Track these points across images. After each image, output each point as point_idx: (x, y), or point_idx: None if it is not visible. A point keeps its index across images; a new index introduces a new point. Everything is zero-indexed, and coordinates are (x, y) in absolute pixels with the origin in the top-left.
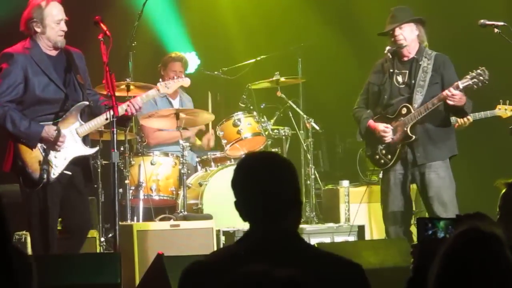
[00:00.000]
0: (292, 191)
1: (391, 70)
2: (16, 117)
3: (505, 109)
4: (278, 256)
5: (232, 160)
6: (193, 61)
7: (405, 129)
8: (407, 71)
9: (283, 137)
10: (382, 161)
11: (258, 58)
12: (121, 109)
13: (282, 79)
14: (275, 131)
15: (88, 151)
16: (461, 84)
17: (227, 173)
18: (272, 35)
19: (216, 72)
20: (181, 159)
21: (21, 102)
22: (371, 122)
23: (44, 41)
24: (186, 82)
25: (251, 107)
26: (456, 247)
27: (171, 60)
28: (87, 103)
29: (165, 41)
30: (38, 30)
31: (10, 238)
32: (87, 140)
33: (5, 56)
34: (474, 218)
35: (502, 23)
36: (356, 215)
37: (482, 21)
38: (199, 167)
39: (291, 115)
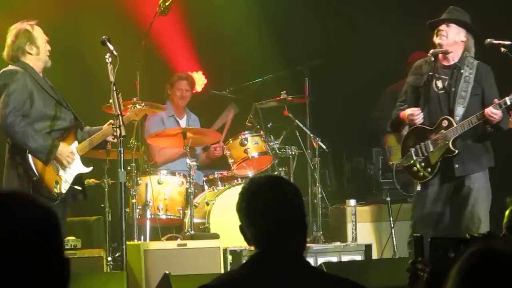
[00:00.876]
0: (297, 215)
1: (431, 73)
2: (33, 132)
3: None
4: (284, 279)
5: (239, 179)
6: (200, 80)
7: (447, 142)
8: (447, 78)
9: (290, 156)
10: (421, 174)
11: (265, 77)
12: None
13: (289, 98)
14: (282, 150)
15: (86, 169)
16: (503, 104)
17: (234, 192)
18: (279, 54)
19: (223, 92)
20: (188, 178)
21: (27, 116)
22: (401, 112)
23: (34, 62)
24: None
25: (258, 126)
26: (470, 267)
27: (177, 79)
28: (82, 122)
29: (172, 60)
30: (32, 52)
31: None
32: (81, 158)
33: (8, 74)
34: (487, 238)
35: (509, 42)
36: (363, 234)
37: (489, 40)
38: (206, 186)
39: (298, 134)
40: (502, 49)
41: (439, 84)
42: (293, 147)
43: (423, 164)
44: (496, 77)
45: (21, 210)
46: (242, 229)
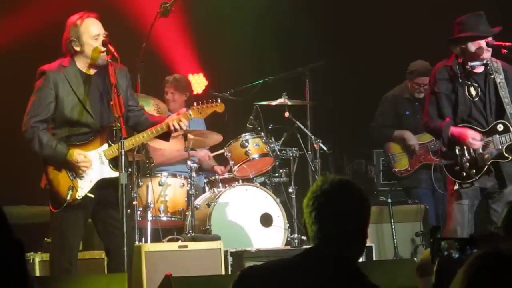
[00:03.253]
0: (361, 222)
1: (461, 81)
2: (44, 138)
3: None
4: (328, 280)
5: (240, 181)
6: (201, 82)
7: (500, 147)
8: (479, 85)
9: (291, 158)
10: (464, 174)
11: (266, 79)
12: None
13: (289, 103)
14: (283, 152)
15: (115, 173)
16: None
17: (235, 193)
18: (280, 56)
19: (223, 93)
20: (189, 180)
21: (53, 120)
22: (454, 128)
23: (83, 60)
24: (220, 107)
25: (259, 128)
26: (477, 270)
27: (165, 83)
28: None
29: (173, 62)
30: (77, 49)
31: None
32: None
33: (39, 74)
34: (491, 239)
35: (510, 44)
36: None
37: (490, 41)
38: (207, 188)
39: (299, 136)
40: (503, 51)
41: (472, 91)
42: (294, 148)
43: (467, 164)
44: None
45: None
46: (304, 224)
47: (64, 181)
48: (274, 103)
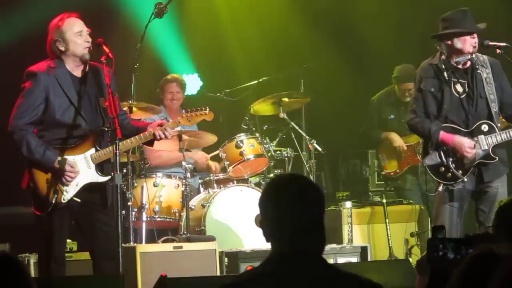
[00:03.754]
0: (317, 212)
1: (448, 78)
2: (32, 142)
3: None
4: (303, 276)
5: (235, 181)
6: (196, 83)
7: (487, 147)
8: (466, 82)
9: (286, 158)
10: (450, 175)
11: (261, 80)
12: (150, 132)
13: (286, 99)
14: (278, 152)
15: (101, 178)
16: None
17: (230, 194)
18: (274, 56)
19: (218, 94)
20: (184, 181)
21: (41, 122)
22: (444, 134)
23: (70, 60)
24: (209, 116)
25: (254, 129)
26: (474, 270)
27: (166, 82)
28: (105, 129)
29: (168, 63)
30: (62, 48)
31: None
32: (105, 167)
33: (29, 75)
34: (485, 239)
35: (504, 44)
36: (359, 236)
37: (485, 41)
38: (201, 189)
39: (293, 136)
40: (498, 51)
41: (459, 88)
42: (288, 149)
43: (454, 165)
44: None
45: None
46: (261, 224)
47: (49, 183)
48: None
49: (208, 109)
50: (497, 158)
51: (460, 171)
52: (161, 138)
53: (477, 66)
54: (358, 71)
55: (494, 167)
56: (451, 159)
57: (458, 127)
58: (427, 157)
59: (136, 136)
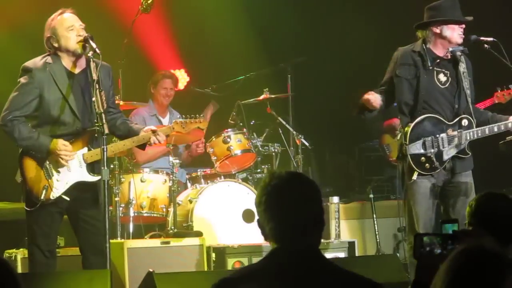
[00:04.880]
0: (316, 211)
1: (431, 67)
2: (24, 130)
3: (503, 95)
4: (301, 275)
5: (222, 176)
6: (183, 78)
7: (463, 142)
8: (449, 72)
9: (273, 153)
10: (428, 165)
11: (248, 75)
12: (143, 136)
13: (271, 96)
14: (265, 147)
15: (91, 178)
16: None
17: (217, 189)
18: (261, 51)
19: (205, 89)
20: (171, 176)
21: (35, 118)
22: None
23: (65, 55)
24: (204, 124)
25: (241, 124)
26: (461, 265)
27: (162, 77)
28: (99, 128)
29: (155, 58)
30: (56, 44)
31: None
32: (96, 166)
33: (24, 70)
34: (472, 235)
35: (491, 39)
36: (346, 231)
37: (473, 37)
38: (189, 184)
39: (281, 131)
40: (486, 46)
41: (441, 78)
42: (276, 144)
43: (433, 158)
44: (478, 75)
45: None
46: (260, 223)
47: (40, 180)
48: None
49: (202, 117)
50: (470, 153)
51: (438, 163)
52: (154, 143)
53: (459, 58)
54: (345, 66)
55: (465, 160)
56: (432, 150)
57: (442, 119)
58: (412, 145)
59: (130, 139)
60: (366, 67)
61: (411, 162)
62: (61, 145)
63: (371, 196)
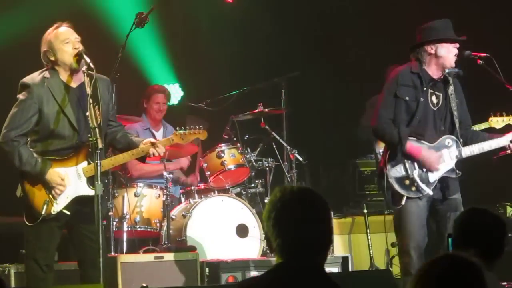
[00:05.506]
0: (325, 229)
1: (426, 89)
2: (24, 154)
3: (497, 120)
4: None
5: (216, 191)
6: (177, 93)
7: (451, 162)
8: (441, 94)
9: (267, 168)
10: (414, 188)
11: (242, 90)
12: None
13: (266, 110)
14: (259, 162)
15: (92, 191)
16: None
17: (211, 204)
18: (255, 66)
19: (199, 104)
20: (165, 190)
21: (35, 133)
22: (411, 146)
23: (62, 69)
24: (203, 135)
25: (235, 139)
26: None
27: (154, 92)
28: (97, 141)
29: (149, 73)
30: (52, 58)
31: None
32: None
33: (23, 87)
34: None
35: (485, 55)
36: (340, 246)
37: (466, 52)
38: (182, 199)
39: (274, 146)
40: (479, 61)
41: (434, 99)
42: (270, 159)
43: (418, 179)
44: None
45: None
46: (268, 238)
47: (40, 194)
48: (249, 114)
49: (202, 128)
50: (460, 173)
51: (425, 185)
52: (154, 155)
53: (449, 80)
54: (339, 81)
55: (455, 180)
56: (416, 172)
57: (423, 141)
58: (392, 169)
59: (129, 152)
60: (361, 82)
61: (396, 186)
62: (57, 178)
63: (365, 211)
